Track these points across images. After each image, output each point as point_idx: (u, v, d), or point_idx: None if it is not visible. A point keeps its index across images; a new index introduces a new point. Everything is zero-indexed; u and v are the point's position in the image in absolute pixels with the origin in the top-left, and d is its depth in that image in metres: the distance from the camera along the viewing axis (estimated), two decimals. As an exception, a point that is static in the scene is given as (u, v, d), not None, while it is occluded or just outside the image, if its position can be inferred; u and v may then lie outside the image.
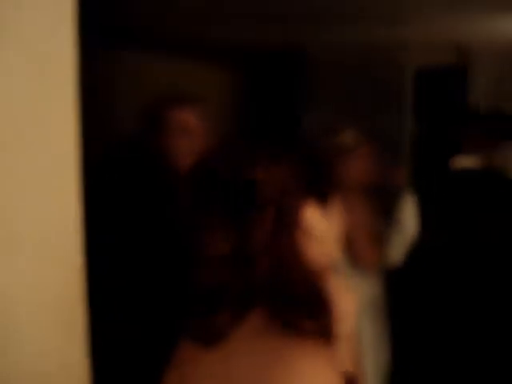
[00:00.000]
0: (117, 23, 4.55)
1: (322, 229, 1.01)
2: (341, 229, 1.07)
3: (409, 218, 2.59)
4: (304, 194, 1.00)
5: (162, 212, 1.92)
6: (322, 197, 1.02)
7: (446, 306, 2.64)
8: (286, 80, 6.93)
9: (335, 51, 6.79)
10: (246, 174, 0.97)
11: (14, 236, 1.09)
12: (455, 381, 2.62)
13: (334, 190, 1.05)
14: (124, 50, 4.94)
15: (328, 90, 6.92)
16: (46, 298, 1.14)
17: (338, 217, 1.06)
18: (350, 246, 2.88)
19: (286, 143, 1.07)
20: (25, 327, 1.11)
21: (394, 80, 6.68)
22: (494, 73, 6.30)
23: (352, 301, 1.11)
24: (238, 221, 0.96)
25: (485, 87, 6.24)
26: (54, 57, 1.13)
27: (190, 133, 2.55)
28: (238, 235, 0.96)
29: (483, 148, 2.71)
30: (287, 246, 0.97)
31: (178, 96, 2.69)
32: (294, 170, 1.00)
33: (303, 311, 0.96)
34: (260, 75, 6.99)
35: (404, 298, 2.83)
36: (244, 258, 0.96)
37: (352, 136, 2.91)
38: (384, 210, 3.14)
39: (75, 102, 1.19)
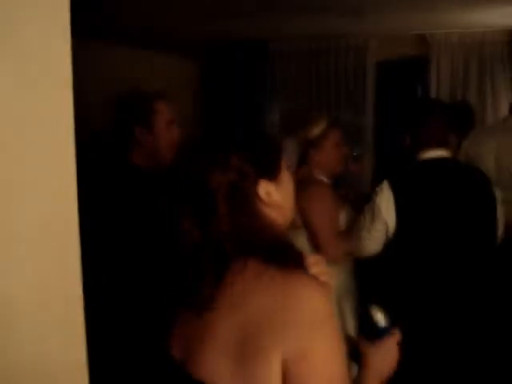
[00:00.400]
0: (78, 12, 4.47)
1: (276, 199, 1.27)
2: (292, 197, 1.34)
3: (385, 207, 2.60)
4: (258, 175, 1.26)
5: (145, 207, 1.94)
6: (273, 176, 1.28)
7: (419, 294, 2.68)
8: (248, 71, 6.93)
9: (296, 42, 6.84)
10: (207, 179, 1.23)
11: (11, 236, 1.08)
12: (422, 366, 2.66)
13: (282, 171, 1.31)
14: (86, 40, 4.87)
15: (290, 81, 6.96)
16: (45, 297, 1.13)
17: (289, 189, 1.33)
18: (313, 239, 2.91)
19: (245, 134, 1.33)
20: (24, 327, 1.11)
21: (356, 71, 6.75)
22: (452, 64, 6.43)
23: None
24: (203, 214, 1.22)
25: (444, 78, 6.36)
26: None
27: (173, 125, 2.58)
28: (204, 222, 1.22)
29: (443, 139, 2.75)
30: (250, 215, 1.23)
31: (156, 89, 2.69)
32: (250, 158, 1.26)
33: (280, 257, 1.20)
34: (221, 66, 6.98)
35: (378, 286, 2.87)
36: (215, 237, 1.22)
37: (324, 123, 2.92)
38: (356, 201, 3.18)
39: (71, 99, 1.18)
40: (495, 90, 6.37)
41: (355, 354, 1.41)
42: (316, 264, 1.36)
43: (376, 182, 2.94)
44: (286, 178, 1.32)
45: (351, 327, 3.09)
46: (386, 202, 2.59)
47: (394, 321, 1.45)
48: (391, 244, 2.68)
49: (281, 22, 5.65)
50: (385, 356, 1.41)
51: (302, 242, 2.85)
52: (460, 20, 5.81)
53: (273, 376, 1.13)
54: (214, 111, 6.75)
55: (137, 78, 5.28)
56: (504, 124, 4.26)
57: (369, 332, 1.41)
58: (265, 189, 1.26)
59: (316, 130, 2.87)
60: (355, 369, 1.44)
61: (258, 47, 6.84)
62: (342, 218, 3.02)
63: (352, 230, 2.85)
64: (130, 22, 5.08)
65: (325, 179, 3.09)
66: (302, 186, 2.71)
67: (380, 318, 1.40)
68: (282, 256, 1.21)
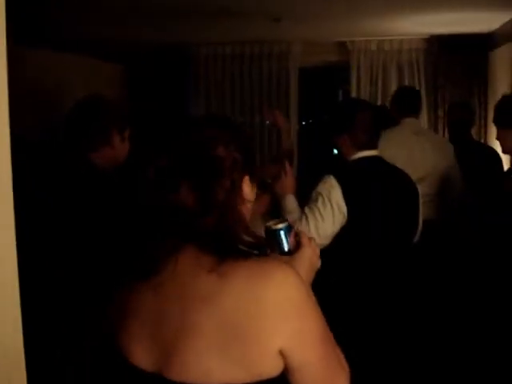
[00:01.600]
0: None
1: (251, 196, 1.33)
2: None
3: (341, 201, 2.64)
4: (244, 172, 1.31)
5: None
6: (252, 175, 1.34)
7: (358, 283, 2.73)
8: (172, 76, 6.91)
9: (220, 47, 6.88)
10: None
11: None
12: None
13: (258, 172, 1.36)
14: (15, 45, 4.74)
15: (214, 85, 6.99)
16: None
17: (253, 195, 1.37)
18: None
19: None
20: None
21: (279, 76, 6.84)
22: (371, 70, 6.63)
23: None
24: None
25: (364, 84, 6.55)
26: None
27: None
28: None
29: (375, 140, 2.84)
30: (233, 206, 1.26)
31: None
32: (241, 151, 1.31)
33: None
34: (146, 70, 6.93)
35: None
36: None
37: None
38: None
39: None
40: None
41: None
42: (309, 244, 1.42)
43: (300, 186, 2.99)
44: (255, 184, 1.37)
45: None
46: (339, 197, 2.65)
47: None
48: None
49: (204, 26, 5.67)
50: (302, 266, 1.42)
51: None
52: (379, 28, 6.00)
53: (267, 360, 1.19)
54: (140, 115, 6.69)
55: (64, 81, 5.21)
56: (411, 129, 4.40)
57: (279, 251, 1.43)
58: (247, 185, 1.31)
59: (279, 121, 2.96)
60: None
61: (182, 52, 6.83)
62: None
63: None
64: (56, 26, 4.98)
65: None
66: None
67: (283, 238, 1.42)
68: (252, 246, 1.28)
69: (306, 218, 2.68)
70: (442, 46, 6.44)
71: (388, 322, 2.73)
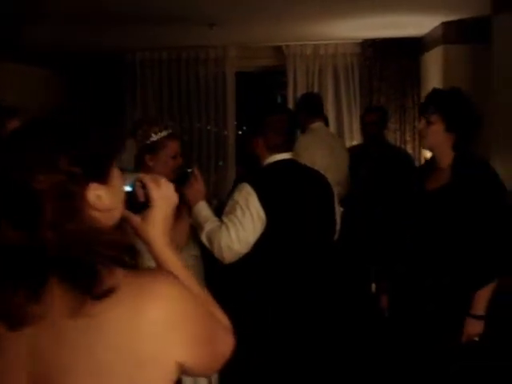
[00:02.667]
0: None
1: (106, 203, 1.17)
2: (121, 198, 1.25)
3: (257, 207, 2.62)
4: (87, 181, 1.14)
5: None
6: (103, 179, 1.18)
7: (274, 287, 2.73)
8: (108, 82, 6.80)
9: (154, 52, 6.81)
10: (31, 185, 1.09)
11: None
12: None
13: (112, 173, 1.22)
14: None
15: (151, 91, 6.91)
16: None
17: (120, 191, 1.24)
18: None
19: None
20: None
21: (216, 81, 6.82)
22: (307, 74, 6.68)
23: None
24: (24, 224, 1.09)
25: (301, 88, 6.59)
26: None
27: None
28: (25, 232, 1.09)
29: (290, 143, 2.85)
30: (77, 221, 1.11)
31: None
32: (79, 159, 1.14)
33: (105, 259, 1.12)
34: (82, 77, 6.79)
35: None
36: (36, 240, 1.09)
37: (164, 132, 2.91)
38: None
39: None
40: (349, 99, 6.69)
41: None
42: (156, 187, 1.33)
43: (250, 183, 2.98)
44: (117, 180, 1.23)
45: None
46: (256, 203, 2.62)
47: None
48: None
49: (139, 32, 5.60)
50: (160, 214, 1.35)
51: None
52: (314, 32, 6.05)
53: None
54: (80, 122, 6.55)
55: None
56: (326, 133, 4.50)
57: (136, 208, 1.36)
58: (94, 193, 1.16)
59: (154, 137, 2.85)
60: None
61: (117, 57, 6.73)
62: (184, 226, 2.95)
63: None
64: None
65: None
66: None
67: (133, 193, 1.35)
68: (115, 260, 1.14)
69: (227, 227, 2.63)
70: (376, 50, 6.56)
71: (311, 323, 2.74)
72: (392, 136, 6.48)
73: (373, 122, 4.82)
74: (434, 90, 2.83)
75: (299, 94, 6.43)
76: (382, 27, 5.78)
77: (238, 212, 2.64)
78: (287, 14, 5.09)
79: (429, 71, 6.29)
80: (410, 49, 6.52)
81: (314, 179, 2.90)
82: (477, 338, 2.65)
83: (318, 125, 4.38)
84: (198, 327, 1.20)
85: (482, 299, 2.65)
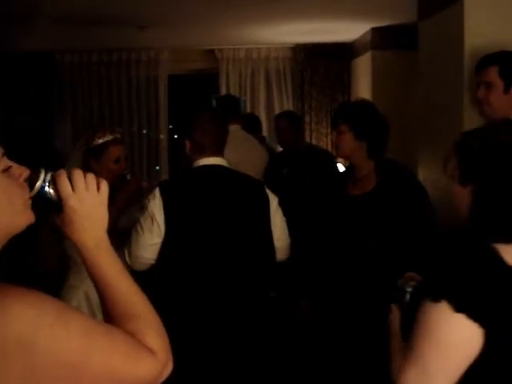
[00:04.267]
0: None
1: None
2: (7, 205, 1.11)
3: (153, 213, 2.55)
4: None
5: None
6: None
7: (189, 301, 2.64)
8: (38, 84, 6.63)
9: (84, 54, 6.69)
10: None
11: None
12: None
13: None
14: None
15: (81, 93, 6.78)
16: None
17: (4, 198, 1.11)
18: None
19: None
20: None
21: (148, 84, 6.76)
22: (240, 78, 6.71)
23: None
24: None
25: (234, 91, 6.60)
26: None
27: None
28: None
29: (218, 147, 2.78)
30: None
31: None
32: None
33: None
34: (12, 77, 6.59)
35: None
36: None
37: (108, 137, 2.87)
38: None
39: None
40: (281, 103, 6.76)
41: None
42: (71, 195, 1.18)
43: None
44: (3, 186, 1.09)
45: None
46: (157, 208, 2.55)
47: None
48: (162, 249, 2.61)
49: (68, 33, 5.49)
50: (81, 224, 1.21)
51: None
52: (246, 36, 6.08)
53: None
54: (7, 122, 6.35)
55: None
56: (241, 136, 4.48)
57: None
58: None
59: (98, 141, 2.81)
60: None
61: (46, 59, 6.58)
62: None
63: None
64: None
65: None
66: None
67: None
68: None
69: (133, 233, 2.56)
70: (308, 55, 6.65)
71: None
72: (324, 140, 6.57)
73: (283, 128, 4.86)
74: (341, 104, 3.00)
75: (232, 97, 6.45)
76: (314, 32, 5.86)
77: (142, 216, 2.57)
78: (220, 17, 5.10)
79: (359, 76, 6.42)
80: (341, 54, 6.65)
81: (240, 190, 2.72)
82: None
83: (233, 127, 4.29)
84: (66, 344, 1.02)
85: None
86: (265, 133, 6.40)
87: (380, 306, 2.68)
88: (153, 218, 2.54)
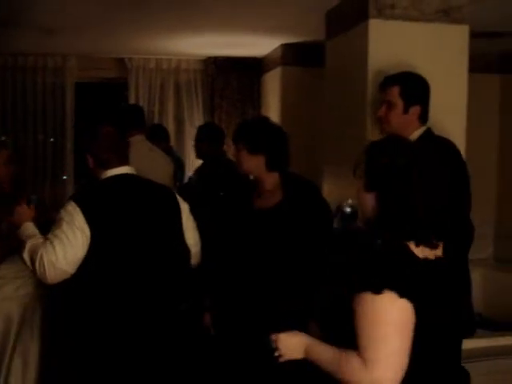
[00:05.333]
0: None
1: None
2: None
3: (78, 226, 2.50)
4: None
5: None
6: None
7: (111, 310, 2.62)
8: None
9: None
10: None
11: None
12: None
13: None
14: None
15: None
16: None
17: None
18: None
19: None
20: None
21: (54, 91, 6.57)
22: (150, 88, 6.65)
23: None
24: None
25: (143, 102, 6.54)
26: None
27: None
28: None
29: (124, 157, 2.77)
30: None
31: None
32: None
33: None
34: None
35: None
36: None
37: None
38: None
39: None
40: (191, 114, 6.76)
41: None
42: None
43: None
44: None
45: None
46: (81, 220, 2.50)
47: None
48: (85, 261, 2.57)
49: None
50: None
51: None
52: (157, 47, 6.04)
53: None
54: None
55: None
56: (146, 146, 4.46)
57: None
58: None
59: None
60: None
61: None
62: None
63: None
64: None
65: None
66: None
67: None
68: None
69: (51, 242, 2.50)
70: (218, 68, 6.68)
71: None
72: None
73: (202, 139, 4.85)
74: (240, 124, 3.12)
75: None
76: (225, 46, 5.90)
77: (64, 228, 2.51)
78: (131, 26, 5.04)
79: (269, 90, 6.52)
80: (252, 68, 6.72)
81: (152, 196, 2.76)
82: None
83: (136, 138, 4.24)
84: None
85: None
86: (173, 143, 6.38)
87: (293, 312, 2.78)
88: (81, 232, 2.49)
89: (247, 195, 3.00)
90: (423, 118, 2.91)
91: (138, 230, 2.64)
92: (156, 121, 6.52)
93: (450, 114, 3.39)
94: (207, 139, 4.78)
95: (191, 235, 2.84)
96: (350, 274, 1.70)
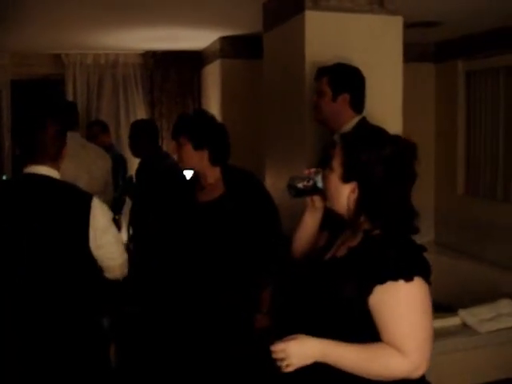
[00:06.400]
0: None
1: None
2: None
3: None
4: None
5: None
6: None
7: None
8: None
9: None
10: None
11: None
12: None
13: None
14: None
15: None
16: None
17: None
18: None
19: None
20: None
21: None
22: (88, 84, 6.55)
23: None
24: None
25: (81, 97, 6.43)
26: None
27: None
28: None
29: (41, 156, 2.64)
30: None
31: None
32: None
33: None
34: None
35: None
36: None
37: None
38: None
39: None
40: (129, 110, 6.68)
41: None
42: None
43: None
44: None
45: None
46: None
47: None
48: None
49: None
50: None
51: None
52: (94, 41, 5.93)
53: None
54: None
55: None
56: (78, 143, 4.37)
57: None
58: None
59: None
60: None
61: None
62: None
63: None
64: None
65: None
66: None
67: None
68: None
69: None
70: (158, 62, 6.63)
71: None
72: (174, 147, 6.56)
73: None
74: (179, 116, 3.12)
75: (79, 104, 6.28)
76: (164, 39, 5.84)
77: None
78: (66, 21, 4.93)
79: (209, 84, 6.50)
80: (191, 61, 6.69)
81: (49, 204, 2.46)
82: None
83: (72, 134, 4.14)
84: None
85: (265, 298, 2.94)
86: (113, 140, 6.29)
87: (241, 305, 2.81)
88: None
89: (189, 190, 3.00)
90: (356, 107, 2.98)
91: (17, 238, 2.42)
92: (95, 117, 6.43)
93: (386, 103, 3.45)
94: (143, 135, 4.69)
95: (112, 249, 2.56)
96: (364, 266, 1.68)
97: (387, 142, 1.76)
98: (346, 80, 2.99)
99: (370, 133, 1.91)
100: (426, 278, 1.68)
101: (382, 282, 1.63)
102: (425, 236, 5.94)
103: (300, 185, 1.97)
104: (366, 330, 1.67)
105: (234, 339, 2.87)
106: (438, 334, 3.33)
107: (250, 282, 2.90)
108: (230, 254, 2.85)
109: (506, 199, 5.31)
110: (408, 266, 1.64)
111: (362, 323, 1.67)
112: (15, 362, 2.39)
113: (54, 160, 2.52)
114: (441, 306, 4.87)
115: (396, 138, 1.80)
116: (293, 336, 1.70)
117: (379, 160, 1.71)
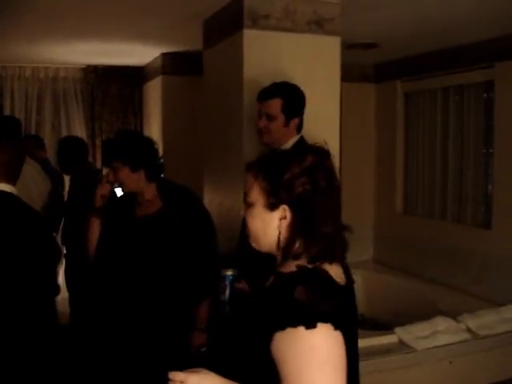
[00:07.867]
0: None
1: None
2: None
3: None
4: None
5: None
6: None
7: None
8: None
9: None
10: None
11: None
12: None
13: None
14: None
15: None
16: None
17: None
18: None
19: None
20: None
21: None
22: (26, 98, 6.42)
23: None
24: None
25: (19, 112, 6.29)
26: None
27: None
28: None
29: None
30: None
31: None
32: None
33: None
34: None
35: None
36: None
37: None
38: None
39: None
40: (69, 124, 6.56)
41: None
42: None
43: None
44: None
45: None
46: None
47: None
48: None
49: None
50: None
51: None
52: (33, 55, 5.82)
53: None
54: None
55: None
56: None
57: None
58: None
59: None
60: None
61: None
62: None
63: None
64: None
65: None
66: None
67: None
68: None
69: None
70: (99, 76, 6.55)
71: None
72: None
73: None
74: (106, 142, 3.06)
75: (17, 117, 6.11)
76: (105, 54, 5.79)
77: None
78: (5, 33, 4.82)
79: (150, 100, 6.46)
80: (133, 77, 6.65)
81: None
82: (204, 349, 2.88)
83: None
84: None
85: (202, 315, 2.90)
86: (50, 155, 6.14)
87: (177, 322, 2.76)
88: None
89: (126, 205, 2.96)
90: (300, 127, 2.95)
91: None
92: (33, 131, 6.29)
93: (323, 122, 3.46)
94: (72, 152, 4.61)
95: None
96: (267, 310, 1.43)
97: (306, 153, 1.57)
98: (299, 104, 2.93)
99: (282, 152, 1.77)
100: (337, 324, 1.37)
101: (282, 327, 1.36)
102: (364, 254, 6.03)
103: (229, 273, 2.05)
104: (275, 380, 1.39)
105: (169, 356, 2.81)
106: (375, 352, 3.36)
107: (187, 298, 2.86)
108: (166, 268, 2.81)
109: (443, 218, 5.42)
110: (311, 310, 1.36)
111: (270, 372, 1.40)
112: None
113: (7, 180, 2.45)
114: (378, 324, 4.95)
115: (312, 147, 1.64)
116: (195, 369, 1.47)
117: (302, 173, 1.51)
